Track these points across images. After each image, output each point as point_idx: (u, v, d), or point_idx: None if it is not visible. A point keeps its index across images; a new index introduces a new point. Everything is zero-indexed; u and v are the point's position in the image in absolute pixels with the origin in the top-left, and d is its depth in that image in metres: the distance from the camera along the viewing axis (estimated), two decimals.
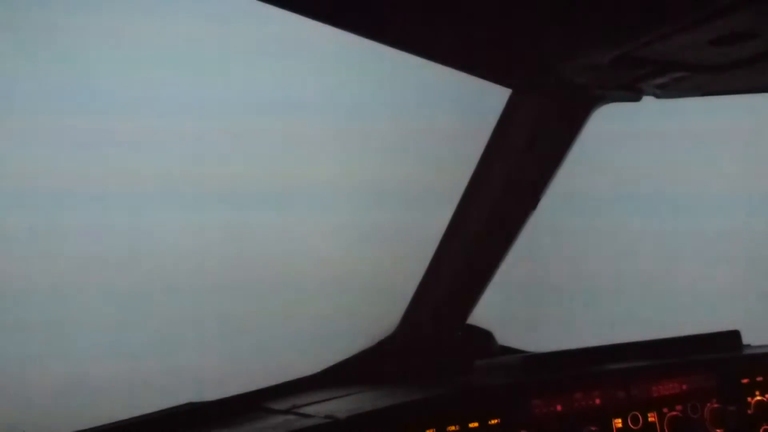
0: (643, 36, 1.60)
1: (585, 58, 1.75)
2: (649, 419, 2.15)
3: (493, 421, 1.94)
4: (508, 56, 1.83)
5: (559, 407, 2.05)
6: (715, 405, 2.21)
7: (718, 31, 1.57)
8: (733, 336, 2.50)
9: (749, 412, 2.27)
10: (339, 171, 2.85)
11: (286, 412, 2.06)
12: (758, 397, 2.28)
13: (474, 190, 2.29)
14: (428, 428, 1.88)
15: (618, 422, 2.12)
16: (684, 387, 2.22)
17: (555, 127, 2.14)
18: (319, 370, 2.62)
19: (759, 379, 2.30)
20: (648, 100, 2.08)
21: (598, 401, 2.10)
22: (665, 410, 2.17)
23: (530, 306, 3.23)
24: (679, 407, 2.18)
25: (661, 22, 1.53)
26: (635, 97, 2.06)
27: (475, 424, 1.93)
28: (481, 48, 1.79)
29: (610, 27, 1.60)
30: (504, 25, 1.64)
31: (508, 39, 1.72)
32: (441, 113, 2.75)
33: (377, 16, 1.61)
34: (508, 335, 2.80)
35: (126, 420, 2.27)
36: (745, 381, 2.29)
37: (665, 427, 2.15)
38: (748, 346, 2.53)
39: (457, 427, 1.91)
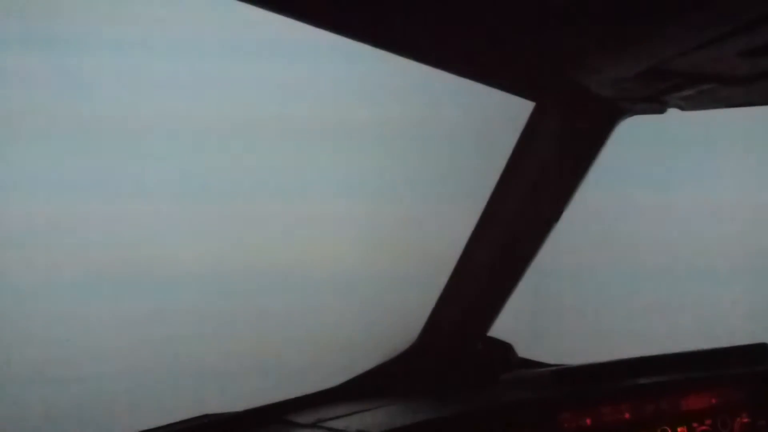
0: (670, 49, 1.59)
1: (611, 71, 1.75)
2: None
3: None
4: (531, 69, 1.83)
5: (588, 421, 2.03)
6: (745, 419, 2.19)
7: (746, 44, 1.56)
8: (762, 349, 2.48)
9: None
10: (359, 182, 2.85)
11: (312, 426, 2.05)
12: None
13: (496, 201, 2.28)
14: None
15: None
16: (713, 401, 2.20)
17: (579, 140, 2.13)
18: (340, 382, 2.60)
19: None
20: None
21: (627, 415, 2.09)
22: (695, 425, 2.15)
23: (550, 318, 3.22)
24: (708, 421, 2.16)
25: (690, 36, 1.53)
26: (660, 109, 2.05)
27: None
28: (505, 61, 1.79)
29: (636, 40, 1.59)
30: (528, 38, 1.64)
31: (532, 52, 1.72)
32: (466, 124, 2.74)
33: (403, 31, 1.61)
34: (528, 347, 2.79)
35: None
36: None
37: None
38: None
39: None
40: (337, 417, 2.09)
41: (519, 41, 1.67)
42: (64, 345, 2.88)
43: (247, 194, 2.89)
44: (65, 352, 2.89)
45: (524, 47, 1.70)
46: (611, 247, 3.35)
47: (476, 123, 2.72)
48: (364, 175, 2.86)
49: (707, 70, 1.74)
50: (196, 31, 2.69)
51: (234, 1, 1.34)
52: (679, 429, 2.13)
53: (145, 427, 2.30)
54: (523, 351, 2.77)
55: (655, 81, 1.80)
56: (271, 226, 2.96)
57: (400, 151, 2.85)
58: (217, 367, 3.02)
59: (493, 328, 2.66)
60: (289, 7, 1.40)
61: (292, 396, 2.52)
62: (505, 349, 2.73)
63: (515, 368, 2.64)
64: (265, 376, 2.91)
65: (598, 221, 3.10)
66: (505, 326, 2.68)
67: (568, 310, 3.36)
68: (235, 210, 2.94)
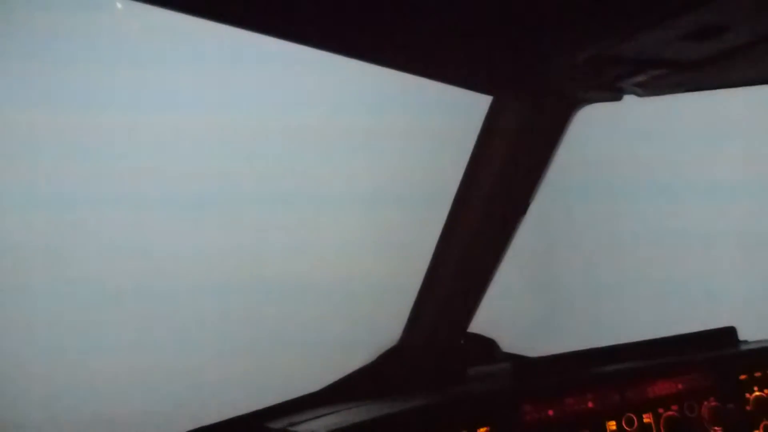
0: (613, 34, 1.59)
1: (559, 59, 1.75)
2: (645, 420, 2.12)
3: (482, 430, 1.93)
4: (484, 64, 1.84)
5: (550, 412, 2.02)
6: (713, 403, 2.18)
7: (687, 26, 1.56)
8: (729, 332, 2.47)
9: (748, 408, 2.23)
10: (325, 187, 2.87)
11: (281, 430, 2.06)
12: (757, 393, 2.24)
13: (463, 197, 2.28)
14: None
15: (612, 425, 2.09)
16: (680, 386, 2.18)
17: (538, 132, 2.13)
18: (322, 386, 2.61)
19: (757, 374, 2.26)
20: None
21: (590, 404, 2.08)
22: (660, 410, 2.13)
23: (530, 310, 3.22)
24: (675, 407, 2.15)
25: (629, 19, 1.53)
26: (616, 96, 2.04)
27: None
28: (458, 58, 1.79)
29: (580, 27, 1.60)
30: (477, 34, 1.65)
31: (482, 48, 1.73)
32: (426, 124, 2.75)
33: (352, 34, 1.62)
34: (515, 342, 2.78)
35: None
36: (742, 377, 2.25)
37: (661, 428, 2.12)
38: (745, 342, 2.49)
39: None
40: (305, 420, 2.10)
41: (469, 38, 1.68)
42: (49, 369, 2.90)
43: (220, 202, 2.92)
44: (53, 373, 2.92)
45: (475, 44, 1.71)
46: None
47: (436, 122, 2.72)
48: (328, 180, 2.87)
49: (655, 55, 1.74)
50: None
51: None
52: (644, 416, 2.12)
53: None
54: (523, 348, 2.76)
55: (605, 67, 1.80)
56: (252, 242, 2.97)
57: (365, 155, 2.86)
58: (203, 375, 3.04)
59: (482, 324, 2.66)
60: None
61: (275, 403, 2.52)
62: (488, 344, 2.73)
63: (498, 363, 2.63)
64: (252, 385, 2.93)
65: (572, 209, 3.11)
66: (503, 324, 2.69)
67: (557, 306, 3.36)
68: (214, 232, 2.97)
